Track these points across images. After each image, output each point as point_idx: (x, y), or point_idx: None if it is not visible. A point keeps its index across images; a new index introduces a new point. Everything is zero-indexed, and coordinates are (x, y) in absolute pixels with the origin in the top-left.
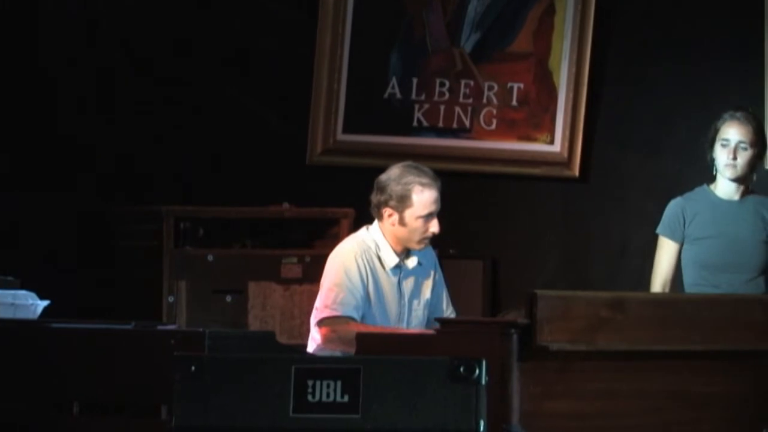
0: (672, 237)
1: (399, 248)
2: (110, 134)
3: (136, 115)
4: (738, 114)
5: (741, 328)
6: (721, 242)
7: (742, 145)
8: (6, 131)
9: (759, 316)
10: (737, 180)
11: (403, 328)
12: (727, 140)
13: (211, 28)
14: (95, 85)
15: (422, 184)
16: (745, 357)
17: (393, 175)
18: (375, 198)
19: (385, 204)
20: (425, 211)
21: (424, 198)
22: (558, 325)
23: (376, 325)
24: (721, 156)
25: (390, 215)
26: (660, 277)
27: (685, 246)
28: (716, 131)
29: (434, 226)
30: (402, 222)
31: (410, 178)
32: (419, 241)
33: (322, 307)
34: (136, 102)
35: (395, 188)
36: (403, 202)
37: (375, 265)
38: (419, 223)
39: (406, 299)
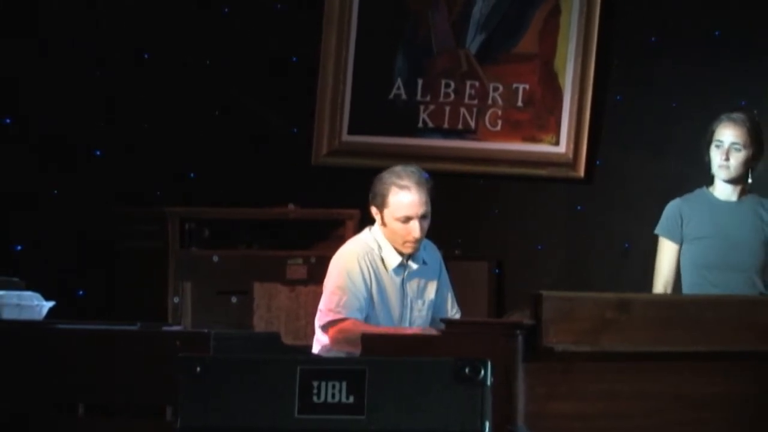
0: (671, 237)
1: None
2: (115, 135)
3: (140, 115)
4: (734, 115)
5: (745, 330)
6: (719, 242)
7: (735, 146)
8: (10, 133)
9: (762, 317)
10: (731, 181)
11: (406, 328)
12: (720, 141)
13: (215, 29)
14: (98, 85)
15: (399, 186)
16: (752, 358)
17: (382, 174)
18: (369, 196)
19: (371, 202)
20: (400, 214)
21: (398, 200)
22: (563, 326)
23: (380, 326)
24: (715, 157)
25: (376, 214)
26: (661, 278)
27: (683, 246)
28: (712, 133)
29: (413, 231)
30: (383, 222)
31: (392, 179)
32: (402, 244)
33: (325, 310)
34: (140, 102)
35: (378, 187)
36: (382, 201)
37: (378, 266)
38: (398, 225)
39: (409, 300)
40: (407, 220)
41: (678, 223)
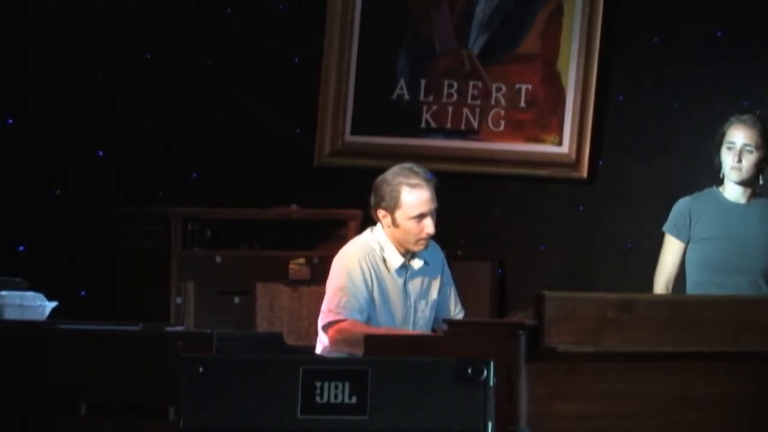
0: (678, 235)
1: (402, 249)
2: (117, 135)
3: (142, 116)
4: (744, 117)
5: (745, 330)
6: (727, 243)
7: (748, 148)
8: (12, 133)
9: (762, 317)
10: (743, 183)
11: (407, 330)
12: (732, 143)
13: (216, 29)
14: (99, 85)
15: (410, 185)
16: (752, 358)
17: (385, 176)
18: (371, 200)
19: (378, 206)
20: (415, 212)
21: (412, 199)
22: (565, 327)
23: (381, 326)
24: (727, 159)
25: (384, 216)
26: (664, 275)
27: (690, 246)
28: (723, 135)
29: (428, 227)
30: (395, 223)
31: (400, 179)
32: (416, 243)
33: (326, 311)
34: (142, 103)
35: (386, 190)
36: (393, 203)
37: (379, 267)
38: (412, 224)
39: (413, 300)
40: (421, 217)
41: (686, 222)
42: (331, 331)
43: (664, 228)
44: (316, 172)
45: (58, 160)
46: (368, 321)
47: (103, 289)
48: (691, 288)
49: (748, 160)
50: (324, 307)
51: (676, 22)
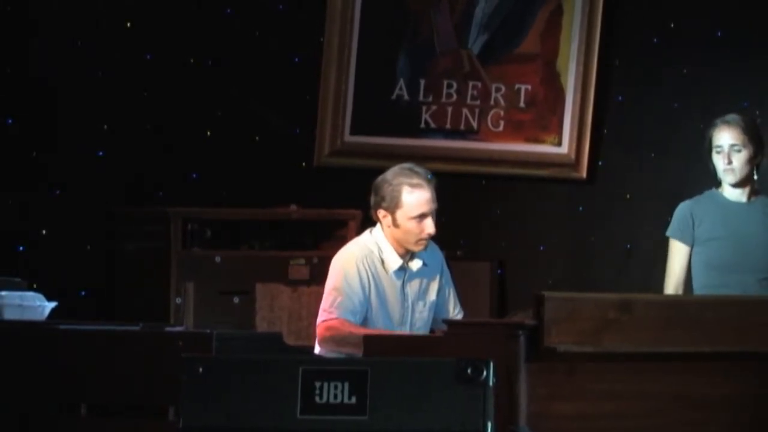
0: (682, 239)
1: (401, 250)
2: (117, 135)
3: (142, 116)
4: (728, 118)
5: (745, 330)
6: (731, 243)
7: (735, 147)
8: (12, 133)
9: (762, 317)
10: (739, 183)
11: (402, 332)
12: (720, 146)
13: (217, 30)
14: (100, 85)
15: (411, 185)
16: (752, 358)
17: (386, 176)
18: (371, 200)
19: (378, 206)
20: (416, 212)
21: (413, 199)
22: (565, 327)
23: (378, 328)
24: (718, 163)
25: (384, 216)
26: (673, 280)
27: (694, 248)
28: (710, 140)
29: (428, 227)
30: (395, 223)
31: (401, 179)
32: (416, 243)
33: (321, 310)
34: (142, 103)
35: (386, 189)
36: (393, 203)
37: (377, 269)
38: (412, 224)
39: (410, 302)
40: (422, 217)
41: (689, 225)
42: (320, 328)
43: (668, 233)
44: (316, 172)
45: (58, 160)
46: (365, 322)
47: (103, 289)
48: (699, 290)
49: (739, 160)
50: (320, 307)
51: (676, 22)
